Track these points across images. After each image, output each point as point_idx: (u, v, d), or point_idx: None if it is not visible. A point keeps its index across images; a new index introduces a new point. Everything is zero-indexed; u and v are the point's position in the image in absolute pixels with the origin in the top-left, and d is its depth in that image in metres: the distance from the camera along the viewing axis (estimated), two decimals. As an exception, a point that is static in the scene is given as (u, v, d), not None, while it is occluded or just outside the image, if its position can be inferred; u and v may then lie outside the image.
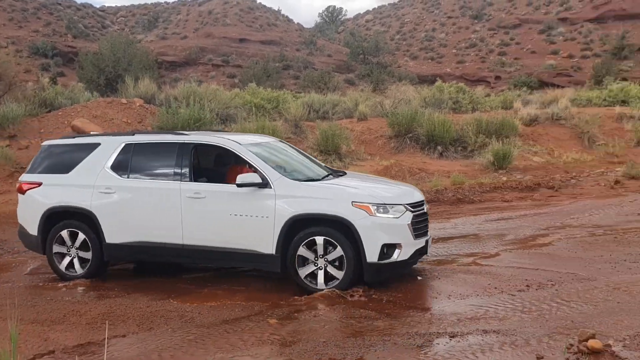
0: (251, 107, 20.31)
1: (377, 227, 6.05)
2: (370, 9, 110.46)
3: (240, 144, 6.76)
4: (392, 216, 6.15)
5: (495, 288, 6.13)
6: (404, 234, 6.18)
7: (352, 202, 6.12)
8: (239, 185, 6.32)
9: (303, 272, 6.21)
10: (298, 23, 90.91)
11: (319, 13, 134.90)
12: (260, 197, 6.31)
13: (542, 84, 48.81)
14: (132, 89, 20.16)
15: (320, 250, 6.13)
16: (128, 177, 6.93)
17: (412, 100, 22.65)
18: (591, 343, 4.30)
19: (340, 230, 6.07)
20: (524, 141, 18.95)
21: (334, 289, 6.05)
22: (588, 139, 19.23)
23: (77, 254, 7.10)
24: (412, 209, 6.34)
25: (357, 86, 47.97)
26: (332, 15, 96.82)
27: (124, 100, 18.54)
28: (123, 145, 7.08)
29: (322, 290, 6.06)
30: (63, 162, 7.32)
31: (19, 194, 7.56)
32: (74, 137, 7.94)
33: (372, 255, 6.01)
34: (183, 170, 6.71)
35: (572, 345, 4.41)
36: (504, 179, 14.95)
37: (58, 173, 7.27)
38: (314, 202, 6.22)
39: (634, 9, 66.44)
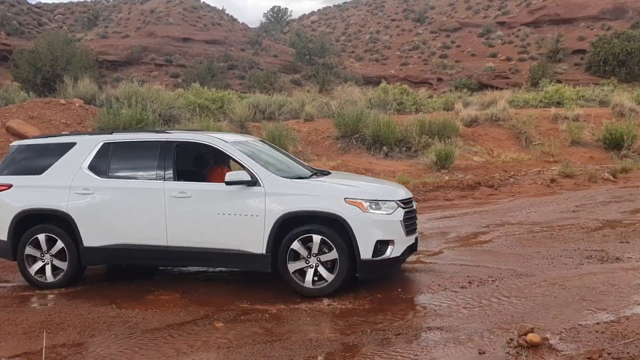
0: (195, 107, 20.02)
1: (370, 223, 5.96)
2: (316, 10, 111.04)
3: (226, 141, 6.59)
4: (384, 212, 6.08)
5: (439, 285, 6.27)
6: (397, 230, 6.12)
7: (345, 198, 6.02)
8: (227, 183, 6.13)
9: (292, 267, 6.04)
10: (243, 23, 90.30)
11: (264, 13, 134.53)
12: (249, 195, 6.14)
13: (482, 86, 50.35)
14: (71, 89, 19.50)
15: (314, 249, 5.99)
16: (107, 178, 6.63)
17: (358, 101, 22.91)
18: (530, 337, 4.47)
19: (334, 228, 5.95)
20: (465, 141, 19.48)
21: (318, 290, 5.97)
22: (525, 139, 19.95)
23: (52, 260, 6.70)
24: (403, 206, 6.31)
25: (304, 87, 48.08)
26: (277, 16, 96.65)
27: (62, 101, 17.90)
28: (101, 144, 6.79)
29: (309, 289, 5.97)
30: (35, 162, 6.95)
31: None
32: (46, 137, 7.44)
33: (366, 252, 5.92)
34: (167, 170, 6.47)
35: (512, 340, 4.57)
36: (447, 178, 15.32)
37: (30, 174, 6.89)
38: (305, 199, 6.08)
39: (567, 14, 69.45)
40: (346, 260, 5.91)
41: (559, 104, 25.34)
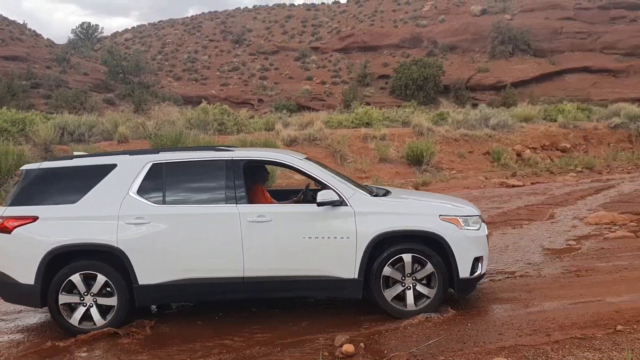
0: (-10, 130, 17.89)
1: (467, 240, 5.69)
2: (129, 28, 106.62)
3: (299, 158, 6.07)
4: (474, 228, 5.82)
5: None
6: (485, 246, 5.92)
7: (440, 215, 5.72)
8: (320, 204, 5.56)
9: (390, 294, 5.59)
10: (48, 38, 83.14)
11: (73, 29, 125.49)
12: (337, 216, 5.61)
13: (300, 107, 52.40)
14: None
15: (407, 269, 5.59)
16: (164, 203, 5.68)
17: (177, 121, 22.33)
18: (346, 348, 4.67)
19: (430, 246, 5.61)
20: (285, 161, 19.97)
21: (422, 309, 5.55)
22: (340, 157, 21.11)
23: (96, 301, 5.57)
24: (483, 221, 6.12)
25: (118, 106, 45.67)
26: (87, 32, 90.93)
27: None
28: (150, 165, 5.79)
29: (414, 310, 5.54)
30: (65, 189, 5.77)
31: None
32: (73, 158, 6.12)
33: (464, 270, 5.63)
34: (238, 191, 5.69)
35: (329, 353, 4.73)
36: (268, 197, 15.56)
37: (60, 204, 5.67)
38: (400, 218, 5.68)
39: (373, 41, 75.55)
40: (444, 272, 5.56)
41: (368, 124, 27.25)
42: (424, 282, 5.63)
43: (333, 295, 6.01)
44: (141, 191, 5.71)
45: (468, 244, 5.69)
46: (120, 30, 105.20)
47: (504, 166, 21.95)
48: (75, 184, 5.79)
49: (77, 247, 5.58)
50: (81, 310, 5.54)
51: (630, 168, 20.11)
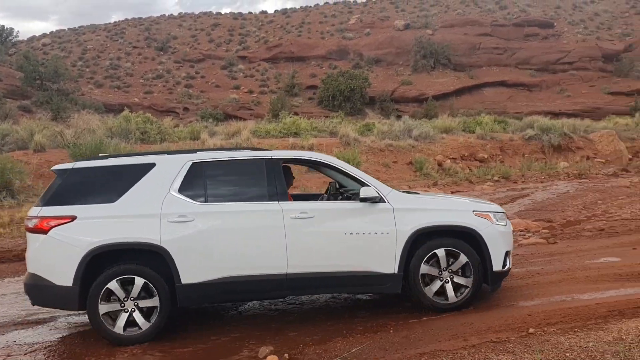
0: None
1: (499, 235, 6.03)
2: (48, 32, 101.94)
3: (332, 158, 6.30)
4: (503, 224, 6.19)
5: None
6: (511, 241, 6.33)
7: (474, 211, 6.06)
8: (362, 200, 5.78)
9: (430, 290, 5.85)
10: (-44, 40, 78.19)
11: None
12: (377, 212, 5.81)
13: (228, 116, 51.86)
14: None
15: (443, 263, 5.85)
16: (206, 201, 5.69)
17: (97, 130, 21.56)
18: (269, 359, 4.65)
19: (465, 241, 5.90)
20: (211, 171, 19.70)
21: (462, 300, 5.86)
22: (268, 167, 21.10)
23: (138, 304, 5.43)
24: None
25: (35, 114, 43.50)
26: (0, 36, 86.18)
27: None
28: (190, 164, 5.81)
29: (454, 303, 5.83)
30: (102, 188, 5.69)
31: (32, 234, 5.57)
32: (109, 158, 6.01)
33: (497, 263, 5.95)
34: (279, 189, 5.80)
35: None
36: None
37: (98, 203, 5.57)
38: (436, 213, 5.96)
39: (300, 52, 76.11)
40: (479, 263, 5.86)
41: (296, 134, 27.39)
42: (460, 273, 5.92)
43: (373, 291, 6.13)
44: (182, 189, 5.71)
45: (500, 238, 6.04)
46: (37, 35, 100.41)
47: (426, 176, 22.67)
48: (112, 183, 5.72)
49: (118, 246, 5.47)
50: (124, 316, 5.41)
51: (542, 178, 21.29)
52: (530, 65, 67.87)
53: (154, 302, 5.44)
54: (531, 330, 4.84)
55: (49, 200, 5.63)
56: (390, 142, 25.41)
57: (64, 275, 5.37)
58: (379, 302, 6.64)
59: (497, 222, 6.12)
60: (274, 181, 5.84)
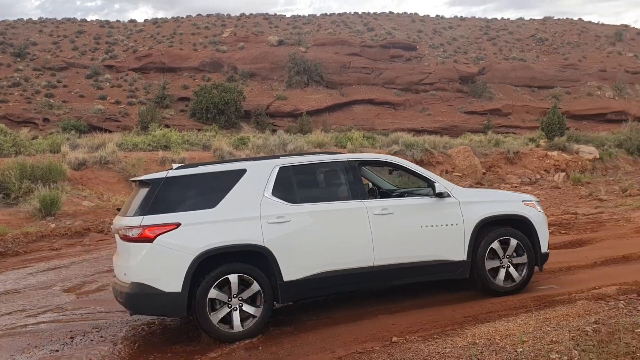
0: None
1: (543, 221, 6.88)
2: None
3: (401, 160, 6.92)
4: (542, 211, 6.99)
5: (36, 347, 5.67)
6: (547, 226, 7.06)
7: (522, 201, 6.86)
8: (438, 195, 6.39)
9: (500, 275, 6.53)
10: None
11: None
12: (445, 206, 6.42)
13: (92, 128, 49.05)
14: None
15: (502, 251, 6.52)
16: (298, 202, 6.04)
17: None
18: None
19: (517, 227, 6.62)
20: (73, 186, 18.50)
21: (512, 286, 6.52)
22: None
23: (241, 306, 5.66)
24: None
25: None
26: None
27: None
28: (277, 169, 6.15)
29: (517, 284, 6.53)
30: (200, 195, 5.88)
31: (134, 244, 5.59)
32: (198, 166, 6.20)
33: (544, 246, 6.75)
34: (359, 188, 6.32)
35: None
36: (53, 226, 14.20)
37: (199, 208, 5.76)
38: (495, 205, 6.67)
39: (172, 63, 74.08)
40: (530, 245, 6.58)
41: (166, 147, 26.57)
42: (514, 256, 6.61)
43: (446, 277, 6.57)
44: (275, 192, 6.02)
45: (544, 223, 6.90)
46: None
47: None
48: (209, 189, 5.92)
49: (226, 249, 5.66)
50: (224, 311, 5.60)
51: (407, 191, 22.46)
52: (395, 85, 71.70)
53: (253, 308, 5.70)
54: (394, 339, 5.05)
55: (149, 209, 5.67)
56: (264, 157, 25.52)
57: (172, 281, 5.48)
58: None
59: (540, 210, 6.95)
60: (354, 181, 6.34)
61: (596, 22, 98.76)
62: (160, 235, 5.55)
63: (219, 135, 35.33)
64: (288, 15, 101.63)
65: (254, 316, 5.67)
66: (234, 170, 6.10)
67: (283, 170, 6.20)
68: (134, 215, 5.71)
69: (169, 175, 5.93)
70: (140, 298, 5.60)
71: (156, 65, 74.38)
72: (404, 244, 6.26)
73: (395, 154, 29.94)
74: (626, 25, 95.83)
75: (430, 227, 6.35)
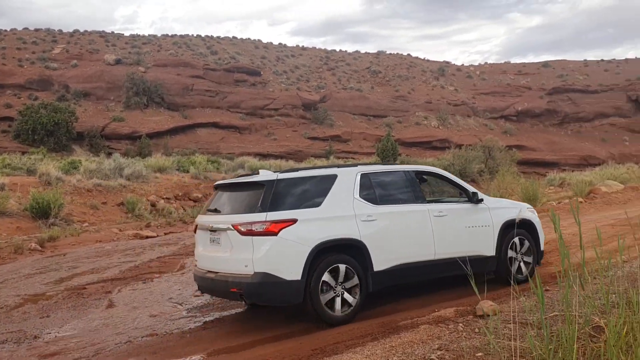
0: None
1: (540, 223, 8.39)
2: None
3: (444, 171, 8.21)
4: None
5: None
6: None
7: (527, 208, 8.45)
8: (478, 201, 7.77)
9: (513, 268, 7.84)
10: None
11: None
12: (481, 211, 7.77)
13: None
14: None
15: (518, 247, 7.95)
16: (379, 204, 6.99)
17: None
18: None
19: (526, 229, 8.10)
20: None
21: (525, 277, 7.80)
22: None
23: (343, 293, 6.44)
24: None
25: None
26: None
27: None
28: (360, 175, 7.11)
29: (526, 277, 7.74)
30: (306, 195, 6.67)
31: (259, 237, 6.19)
32: (299, 170, 7.15)
33: (542, 244, 8.31)
34: (419, 193, 7.40)
35: None
36: None
37: (308, 207, 6.57)
38: (511, 210, 8.09)
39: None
40: (535, 246, 8.11)
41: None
42: (526, 253, 8.06)
43: (481, 270, 7.50)
44: (361, 195, 6.93)
45: (540, 226, 8.37)
46: None
47: (139, 217, 21.73)
48: (313, 191, 6.72)
49: (334, 242, 6.46)
50: (335, 298, 6.37)
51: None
52: (240, 109, 71.74)
53: (356, 290, 6.52)
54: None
55: (270, 207, 6.34)
56: (99, 182, 23.69)
57: (293, 270, 6.15)
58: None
59: (536, 215, 8.52)
60: (416, 187, 7.46)
61: (422, 57, 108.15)
62: (283, 230, 6.23)
63: (47, 158, 32.37)
64: (127, 34, 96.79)
65: (350, 305, 6.45)
66: (329, 175, 6.98)
67: (364, 176, 7.17)
68: (251, 212, 6.35)
69: (279, 177, 6.67)
70: (264, 287, 6.17)
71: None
72: (455, 241, 7.43)
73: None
74: (448, 62, 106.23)
75: (472, 228, 7.64)
